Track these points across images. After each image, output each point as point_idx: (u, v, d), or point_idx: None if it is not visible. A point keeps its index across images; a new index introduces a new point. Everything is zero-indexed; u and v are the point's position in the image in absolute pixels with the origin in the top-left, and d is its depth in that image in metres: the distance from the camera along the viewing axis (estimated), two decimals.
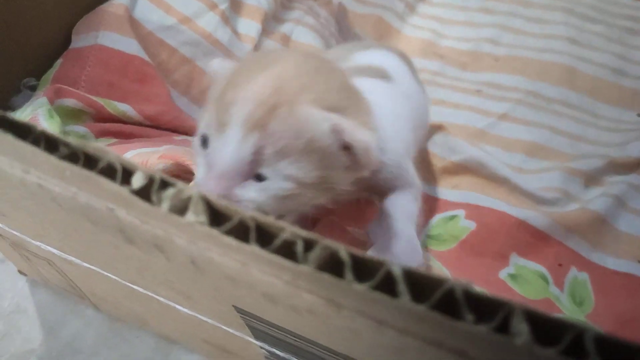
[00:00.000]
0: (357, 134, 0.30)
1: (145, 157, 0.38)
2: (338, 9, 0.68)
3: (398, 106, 0.39)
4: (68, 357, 0.43)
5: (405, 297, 0.16)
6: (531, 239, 0.47)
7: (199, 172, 0.31)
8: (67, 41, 0.50)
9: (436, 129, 0.56)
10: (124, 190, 0.18)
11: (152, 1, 0.53)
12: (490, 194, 0.51)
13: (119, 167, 0.19)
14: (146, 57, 0.50)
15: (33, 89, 0.47)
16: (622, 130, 0.58)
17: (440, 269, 0.43)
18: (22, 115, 0.42)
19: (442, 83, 0.64)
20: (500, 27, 0.70)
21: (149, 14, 0.53)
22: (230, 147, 0.29)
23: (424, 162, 0.54)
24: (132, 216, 0.20)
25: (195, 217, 0.18)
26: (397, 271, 0.16)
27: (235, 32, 0.58)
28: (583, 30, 0.68)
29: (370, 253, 0.27)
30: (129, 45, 0.49)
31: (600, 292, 0.46)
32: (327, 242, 0.17)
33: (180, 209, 0.18)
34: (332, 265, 0.17)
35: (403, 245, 0.35)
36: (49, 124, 0.41)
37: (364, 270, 0.17)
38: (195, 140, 0.32)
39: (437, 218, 0.50)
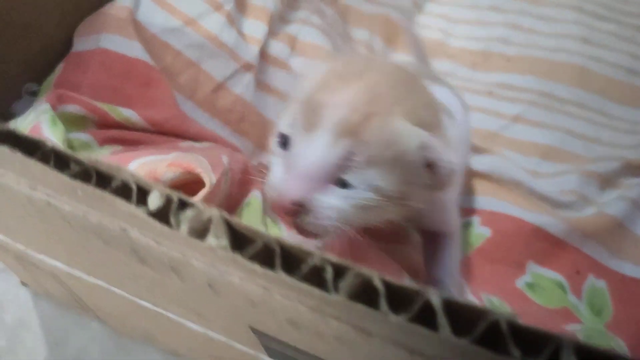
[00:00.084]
0: (444, 153, 0.30)
1: (153, 165, 0.37)
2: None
3: (460, 144, 0.41)
4: None
5: (445, 330, 0.15)
6: (548, 246, 0.46)
7: (275, 172, 0.31)
8: (69, 44, 0.48)
9: None
10: (140, 212, 0.17)
11: (155, 2, 0.52)
12: (505, 199, 0.50)
13: (134, 187, 0.18)
14: (150, 61, 0.49)
15: (34, 94, 0.46)
16: (637, 132, 0.57)
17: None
18: (25, 122, 0.40)
19: (453, 84, 0.63)
20: (510, 26, 0.68)
21: (153, 16, 0.51)
22: (318, 150, 0.29)
23: None
24: (148, 238, 0.19)
25: (216, 240, 0.17)
26: (436, 301, 0.15)
27: (240, 33, 0.57)
28: (594, 29, 0.67)
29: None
30: (133, 49, 0.48)
31: (618, 300, 0.45)
32: (358, 269, 0.16)
33: (200, 231, 0.17)
34: (364, 293, 0.16)
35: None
36: (52, 132, 0.39)
37: (398, 298, 0.16)
38: (274, 140, 0.32)
39: None
